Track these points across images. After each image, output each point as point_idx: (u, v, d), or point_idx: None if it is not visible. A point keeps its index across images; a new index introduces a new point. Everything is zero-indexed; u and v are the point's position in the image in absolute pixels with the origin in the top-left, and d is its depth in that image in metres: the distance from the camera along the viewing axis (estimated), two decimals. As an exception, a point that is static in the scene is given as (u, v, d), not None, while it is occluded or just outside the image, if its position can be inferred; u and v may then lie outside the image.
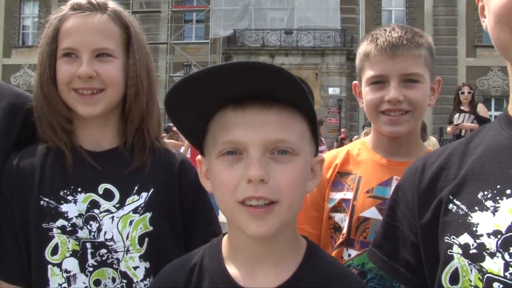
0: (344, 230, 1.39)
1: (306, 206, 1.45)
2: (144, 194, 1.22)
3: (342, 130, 17.15)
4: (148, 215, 1.21)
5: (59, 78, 1.19)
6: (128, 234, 1.18)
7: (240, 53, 25.25)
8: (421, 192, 0.98)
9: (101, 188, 1.20)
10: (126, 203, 1.20)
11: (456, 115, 7.26)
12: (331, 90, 24.99)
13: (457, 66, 25.26)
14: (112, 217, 1.19)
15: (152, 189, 1.23)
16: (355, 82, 1.51)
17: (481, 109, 7.22)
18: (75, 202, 1.18)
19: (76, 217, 1.17)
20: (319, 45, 25.13)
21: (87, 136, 1.25)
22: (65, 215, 1.17)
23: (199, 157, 1.01)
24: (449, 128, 7.51)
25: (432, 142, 6.82)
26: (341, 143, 14.72)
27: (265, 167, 0.86)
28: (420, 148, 1.45)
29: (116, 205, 1.20)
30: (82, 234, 1.17)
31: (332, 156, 1.52)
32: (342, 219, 1.40)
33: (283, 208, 0.88)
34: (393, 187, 1.36)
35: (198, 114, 0.92)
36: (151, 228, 1.21)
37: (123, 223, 1.18)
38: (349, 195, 1.41)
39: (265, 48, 25.19)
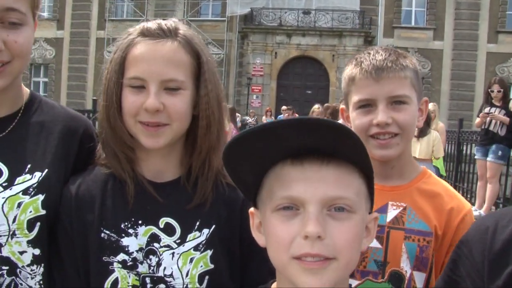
0: None
1: None
2: (205, 231, 1.18)
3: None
4: (209, 252, 1.17)
5: (125, 109, 1.13)
6: (188, 271, 1.15)
7: (256, 32, 25.03)
8: (493, 257, 0.95)
9: (162, 221, 1.16)
10: (187, 239, 1.16)
11: (487, 109, 7.11)
12: (347, 72, 24.72)
13: (477, 52, 24.77)
14: (173, 253, 1.15)
15: (213, 226, 1.19)
16: (342, 106, 1.49)
17: None
18: (136, 235, 1.14)
19: (137, 251, 1.14)
20: (337, 26, 24.78)
21: (149, 166, 1.20)
22: (126, 249, 1.13)
23: (252, 209, 1.00)
24: (478, 120, 7.33)
25: (432, 137, 6.66)
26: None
27: (322, 224, 0.84)
28: (414, 169, 1.42)
29: (177, 241, 1.16)
30: (142, 268, 1.14)
31: None
32: None
33: (340, 266, 0.86)
34: (389, 213, 1.34)
35: (255, 167, 0.92)
36: (211, 266, 1.17)
37: (184, 260, 1.15)
38: None
39: (282, 27, 24.91)
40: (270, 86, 25.42)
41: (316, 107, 8.74)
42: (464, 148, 9.24)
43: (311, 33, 24.80)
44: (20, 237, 1.14)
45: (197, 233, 1.17)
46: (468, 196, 8.86)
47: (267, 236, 0.92)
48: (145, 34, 1.14)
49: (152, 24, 1.16)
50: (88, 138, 1.29)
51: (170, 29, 1.15)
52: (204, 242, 1.17)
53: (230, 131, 8.45)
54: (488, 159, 7.09)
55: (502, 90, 6.97)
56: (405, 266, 1.29)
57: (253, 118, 19.27)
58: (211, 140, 1.19)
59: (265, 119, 18.28)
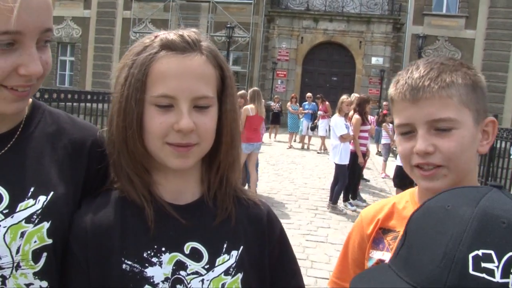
0: None
1: (348, 263, 1.37)
2: (234, 253, 1.10)
3: (384, 104, 16.62)
4: (240, 276, 1.09)
5: (152, 130, 1.02)
6: None
7: (283, 15, 24.71)
8: None
9: (188, 247, 1.06)
10: (217, 264, 1.07)
11: None
12: (374, 60, 24.33)
13: (511, 42, 24.01)
14: (202, 280, 1.05)
15: (241, 247, 1.11)
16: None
17: None
18: (160, 264, 1.04)
19: (163, 281, 1.03)
20: (365, 12, 24.31)
21: (168, 187, 1.10)
22: (151, 280, 1.03)
23: None
24: None
25: None
26: (383, 119, 14.31)
27: None
28: None
29: (206, 267, 1.06)
30: None
31: (375, 210, 1.35)
32: None
33: None
34: None
35: None
36: None
37: (215, 286, 1.06)
38: (387, 256, 1.23)
39: (309, 12, 24.53)
40: (295, 72, 25.19)
41: (345, 97, 8.52)
42: (498, 144, 8.99)
43: (338, 19, 24.39)
44: (25, 269, 1.02)
45: (226, 256, 1.08)
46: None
47: None
48: (170, 47, 1.03)
49: (174, 36, 1.04)
50: (97, 150, 1.14)
51: (194, 41, 1.04)
52: (234, 265, 1.08)
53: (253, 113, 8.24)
54: (525, 158, 6.86)
55: None
56: None
57: (278, 104, 19.12)
58: (234, 156, 1.13)
59: (289, 105, 18.10)
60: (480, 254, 0.66)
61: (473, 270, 0.66)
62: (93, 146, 1.14)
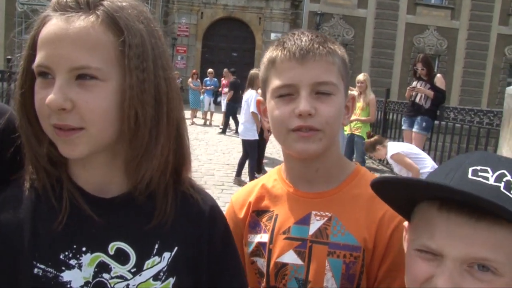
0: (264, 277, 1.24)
1: None
2: (166, 255, 0.97)
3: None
4: (171, 281, 0.97)
5: (36, 107, 0.88)
6: None
7: (182, -11, 24.13)
8: None
9: (112, 247, 0.93)
10: (145, 267, 0.95)
11: (414, 83, 7.64)
12: (273, 36, 24.68)
13: (397, 21, 25.72)
14: (127, 285, 0.93)
15: (176, 248, 0.98)
16: (259, 98, 1.27)
17: (438, 80, 7.55)
18: (80, 267, 0.91)
19: (82, 286, 0.91)
20: (264, -12, 24.51)
21: (88, 177, 0.95)
22: (68, 285, 0.90)
23: (406, 224, 0.97)
24: (407, 92, 7.87)
25: None
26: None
27: (457, 281, 0.79)
28: (343, 170, 1.24)
29: (132, 270, 0.94)
30: None
31: (245, 193, 1.33)
32: (262, 264, 1.24)
33: None
34: (311, 225, 1.18)
35: (408, 197, 0.89)
36: None
37: None
38: (265, 237, 1.23)
39: (209, -14, 24.20)
40: (196, 47, 24.86)
41: (257, 71, 8.58)
42: (390, 116, 9.70)
43: (238, -6, 24.37)
44: None
45: (157, 259, 0.96)
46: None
47: (405, 269, 0.90)
48: (56, 8, 0.87)
49: None
50: (10, 133, 0.96)
51: (89, 1, 0.88)
52: (165, 269, 0.96)
53: None
54: (414, 130, 7.52)
55: (425, 68, 7.45)
56: (330, 286, 1.14)
57: (178, 80, 18.79)
58: (140, 148, 0.93)
59: (190, 82, 17.89)
60: (478, 169, 0.81)
61: (472, 175, 0.80)
62: (5, 130, 0.96)
